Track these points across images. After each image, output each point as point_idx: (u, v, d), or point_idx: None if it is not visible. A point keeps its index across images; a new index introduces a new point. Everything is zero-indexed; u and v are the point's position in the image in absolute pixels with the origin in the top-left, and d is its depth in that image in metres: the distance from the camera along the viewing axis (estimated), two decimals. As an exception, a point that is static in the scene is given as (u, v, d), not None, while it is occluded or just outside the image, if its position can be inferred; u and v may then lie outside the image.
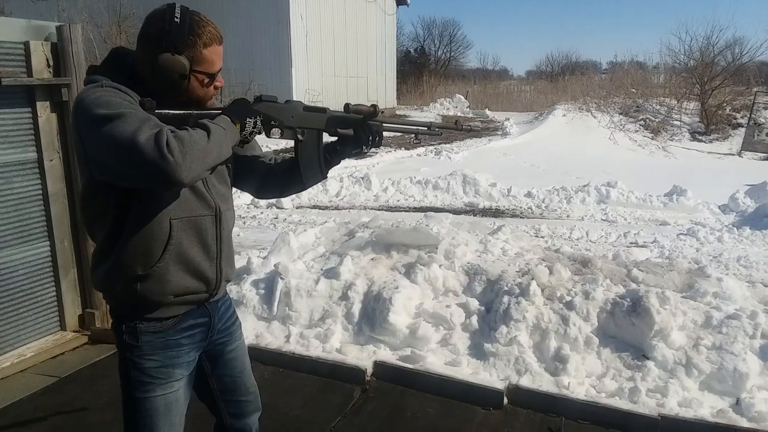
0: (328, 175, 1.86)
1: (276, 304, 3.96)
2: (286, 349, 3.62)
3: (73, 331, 3.92)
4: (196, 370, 1.78)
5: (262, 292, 4.08)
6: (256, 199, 8.12)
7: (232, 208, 1.78)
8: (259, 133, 1.66)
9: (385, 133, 1.79)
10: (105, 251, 1.59)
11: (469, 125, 2.07)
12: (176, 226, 1.58)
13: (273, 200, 8.78)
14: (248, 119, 1.59)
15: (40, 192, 3.69)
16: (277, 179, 1.85)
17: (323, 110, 1.74)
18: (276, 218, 8.25)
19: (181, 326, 1.67)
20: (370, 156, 12.44)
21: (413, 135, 1.88)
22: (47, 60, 3.60)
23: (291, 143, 1.73)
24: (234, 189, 1.85)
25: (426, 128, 1.87)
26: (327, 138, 1.76)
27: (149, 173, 1.34)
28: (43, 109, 3.62)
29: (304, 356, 3.54)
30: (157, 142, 1.32)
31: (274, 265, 4.23)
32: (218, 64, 1.61)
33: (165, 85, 1.56)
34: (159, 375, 1.63)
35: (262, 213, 8.53)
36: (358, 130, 1.72)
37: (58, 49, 3.63)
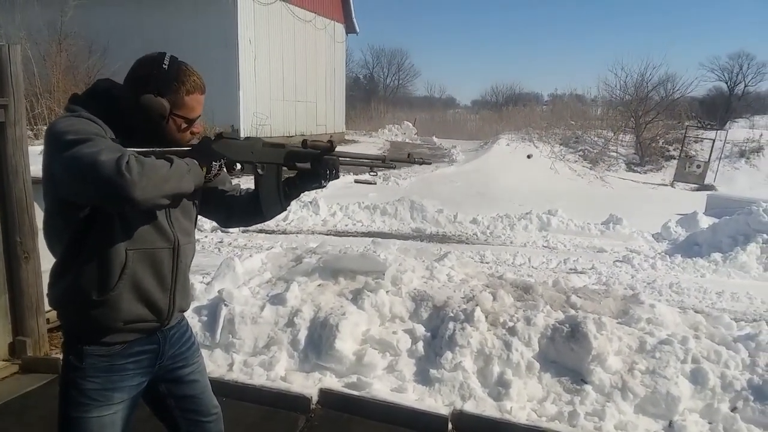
0: (288, 207, 1.94)
1: (219, 331, 3.88)
2: (229, 377, 3.55)
3: (3, 360, 3.73)
4: (151, 394, 1.84)
5: (205, 319, 4.00)
6: (199, 223, 8.00)
7: (192, 241, 1.84)
8: (221, 169, 1.74)
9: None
10: (63, 270, 1.63)
11: (422, 158, 2.14)
12: (132, 257, 1.63)
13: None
14: (214, 163, 1.68)
15: (-29, 214, 3.53)
16: (240, 211, 1.93)
17: (282, 146, 1.82)
18: (221, 242, 8.09)
19: (128, 352, 1.70)
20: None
21: (368, 167, 1.98)
22: (-16, 79, 3.48)
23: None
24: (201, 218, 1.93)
25: (380, 161, 1.96)
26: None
27: (105, 188, 1.39)
28: (-22, 128, 3.48)
29: (248, 385, 3.48)
30: (117, 161, 1.38)
31: (218, 291, 4.16)
32: (198, 111, 1.72)
33: (143, 123, 1.65)
34: (97, 397, 1.66)
35: (206, 237, 8.31)
36: (315, 164, 1.78)
37: (-4, 69, 3.52)
